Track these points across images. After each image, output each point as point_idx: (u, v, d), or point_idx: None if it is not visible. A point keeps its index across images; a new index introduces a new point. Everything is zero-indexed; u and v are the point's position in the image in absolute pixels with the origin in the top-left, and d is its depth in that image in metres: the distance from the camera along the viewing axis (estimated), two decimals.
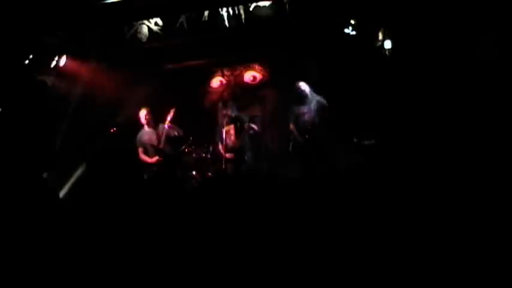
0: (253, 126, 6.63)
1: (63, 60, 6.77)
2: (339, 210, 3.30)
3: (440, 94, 5.28)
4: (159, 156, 6.51)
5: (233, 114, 6.66)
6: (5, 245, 3.14)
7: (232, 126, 6.65)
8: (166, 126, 6.53)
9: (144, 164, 6.62)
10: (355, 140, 6.27)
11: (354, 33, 6.46)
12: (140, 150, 6.61)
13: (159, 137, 6.53)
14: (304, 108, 6.35)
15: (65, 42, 6.73)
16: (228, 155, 6.46)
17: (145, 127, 6.63)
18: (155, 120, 6.67)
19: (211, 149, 6.78)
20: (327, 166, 6.18)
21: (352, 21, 6.43)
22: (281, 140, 7.00)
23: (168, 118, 6.53)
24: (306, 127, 6.30)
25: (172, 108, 6.58)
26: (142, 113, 6.58)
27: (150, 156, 6.56)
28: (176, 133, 6.61)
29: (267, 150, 7.23)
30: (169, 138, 6.57)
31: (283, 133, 6.74)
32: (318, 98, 6.34)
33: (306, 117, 6.32)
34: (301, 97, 6.36)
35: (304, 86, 6.37)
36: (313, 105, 6.32)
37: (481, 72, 4.78)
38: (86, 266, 2.84)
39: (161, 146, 6.49)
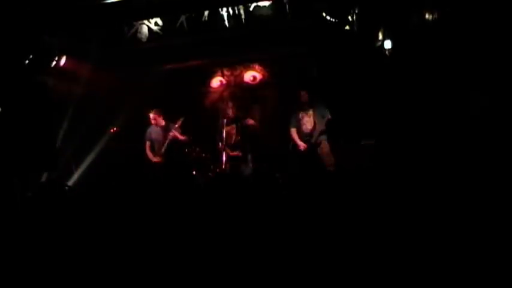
0: (251, 121, 6.62)
1: (63, 60, 6.78)
2: (338, 210, 3.30)
3: (440, 94, 5.28)
4: (161, 158, 6.64)
5: (233, 115, 6.69)
6: (5, 245, 3.14)
7: (233, 126, 6.66)
8: (171, 133, 6.61)
9: (146, 163, 6.71)
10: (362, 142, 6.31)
11: (353, 33, 6.47)
12: (147, 144, 6.76)
13: (163, 142, 6.65)
14: (305, 115, 6.45)
15: (65, 42, 6.74)
16: (232, 153, 6.52)
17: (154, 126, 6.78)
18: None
19: (211, 149, 6.79)
20: (327, 167, 6.20)
21: (352, 21, 6.43)
22: (281, 140, 6.99)
23: (176, 126, 6.62)
24: (307, 133, 6.39)
25: (180, 117, 6.67)
26: (151, 115, 6.72)
27: (155, 154, 6.66)
28: (181, 138, 6.66)
29: (267, 150, 7.21)
30: (173, 144, 6.68)
31: (284, 133, 6.74)
32: (319, 105, 6.43)
33: (308, 124, 6.42)
34: (302, 104, 6.46)
35: (305, 93, 6.45)
36: (314, 112, 6.40)
37: (482, 72, 4.78)
38: (87, 266, 2.84)
39: (163, 151, 6.63)
